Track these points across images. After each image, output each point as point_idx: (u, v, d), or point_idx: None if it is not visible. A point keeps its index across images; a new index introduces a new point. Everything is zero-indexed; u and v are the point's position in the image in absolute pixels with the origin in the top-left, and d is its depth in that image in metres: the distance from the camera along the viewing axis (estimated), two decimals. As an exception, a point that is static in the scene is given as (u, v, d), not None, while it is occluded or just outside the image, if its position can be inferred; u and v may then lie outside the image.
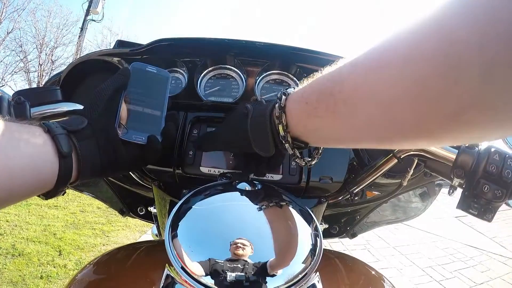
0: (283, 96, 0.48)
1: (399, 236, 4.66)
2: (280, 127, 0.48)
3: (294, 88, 0.50)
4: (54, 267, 2.88)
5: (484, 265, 3.85)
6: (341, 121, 0.39)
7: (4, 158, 0.37)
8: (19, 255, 3.02)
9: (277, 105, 0.49)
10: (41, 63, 13.83)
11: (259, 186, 0.57)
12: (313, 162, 0.57)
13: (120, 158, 0.53)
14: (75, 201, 4.86)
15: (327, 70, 0.41)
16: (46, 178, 0.43)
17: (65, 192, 0.49)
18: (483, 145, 0.55)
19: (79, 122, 0.49)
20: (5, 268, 2.74)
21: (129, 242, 0.82)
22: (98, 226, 4.06)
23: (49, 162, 0.43)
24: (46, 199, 0.47)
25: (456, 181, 0.57)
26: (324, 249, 0.51)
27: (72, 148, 0.46)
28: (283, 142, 0.49)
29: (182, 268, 0.43)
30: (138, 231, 4.08)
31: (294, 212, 0.52)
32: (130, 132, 0.55)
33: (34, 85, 13.45)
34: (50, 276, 2.71)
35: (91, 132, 0.49)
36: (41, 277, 2.67)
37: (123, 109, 0.55)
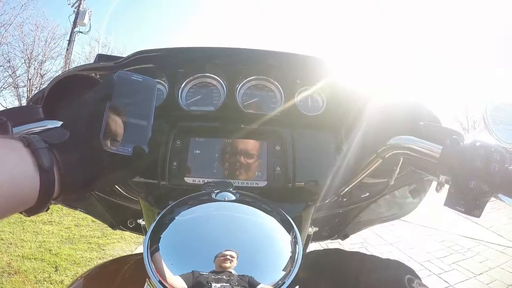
0: None
1: (396, 232, 4.67)
2: None
3: None
4: (51, 284, 2.84)
5: (482, 256, 3.87)
6: None
7: None
8: (15, 273, 2.98)
9: None
10: (30, 78, 13.69)
11: (239, 196, 0.56)
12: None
13: (105, 171, 0.51)
14: (70, 215, 4.81)
15: None
16: (27, 194, 0.41)
17: (48, 208, 0.47)
18: (467, 140, 0.55)
19: (61, 134, 0.47)
20: (1, 286, 2.70)
21: (124, 255, 0.81)
22: (93, 240, 4.02)
23: (29, 177, 0.41)
24: (29, 215, 0.45)
25: (442, 178, 0.56)
26: (310, 251, 0.51)
27: (53, 162, 0.44)
28: None
29: (160, 282, 0.43)
30: (134, 242, 4.06)
31: (274, 221, 0.52)
32: (116, 144, 0.52)
33: (24, 100, 13.37)
34: (47, 293, 2.68)
35: (73, 145, 0.47)
36: (38, 295, 2.64)
37: (109, 119, 0.53)
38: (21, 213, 0.43)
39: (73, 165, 0.46)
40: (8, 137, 0.42)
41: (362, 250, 3.99)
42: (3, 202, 0.38)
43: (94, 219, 1.07)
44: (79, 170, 0.47)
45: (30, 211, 0.44)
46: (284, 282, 0.44)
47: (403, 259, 3.72)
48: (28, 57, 13.70)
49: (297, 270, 0.46)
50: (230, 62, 0.82)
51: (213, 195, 0.55)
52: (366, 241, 4.27)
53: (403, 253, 3.92)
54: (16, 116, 0.62)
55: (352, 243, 4.14)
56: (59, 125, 0.60)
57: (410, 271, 0.65)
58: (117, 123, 0.54)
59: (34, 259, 3.34)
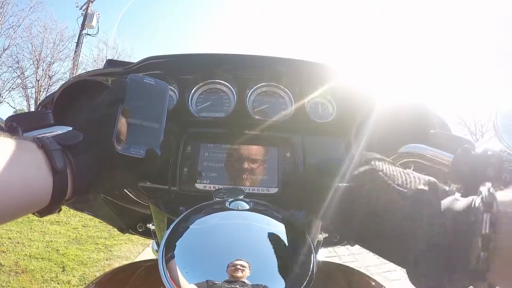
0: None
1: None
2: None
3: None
4: (58, 284, 2.87)
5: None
6: None
7: None
8: (23, 272, 3.01)
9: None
10: (38, 79, 13.82)
11: (252, 205, 0.56)
12: None
13: (117, 173, 0.51)
14: (77, 216, 4.85)
15: None
16: (40, 195, 0.41)
17: (60, 209, 0.47)
18: (479, 149, 0.54)
19: (74, 136, 0.47)
20: (9, 285, 2.73)
21: (132, 256, 0.82)
22: (100, 241, 4.05)
23: (42, 179, 0.41)
24: (41, 216, 0.45)
25: (453, 186, 0.56)
26: (324, 261, 0.50)
27: (66, 164, 0.44)
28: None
29: None
30: (141, 244, 4.07)
31: (287, 230, 0.52)
32: (128, 146, 0.53)
33: (32, 101, 13.50)
34: (54, 293, 2.70)
35: (87, 146, 0.48)
36: (45, 295, 2.66)
37: (121, 122, 0.53)
38: (33, 213, 0.44)
39: (86, 167, 0.47)
40: (22, 138, 0.43)
41: (370, 255, 3.95)
42: (17, 203, 0.39)
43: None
44: (92, 172, 0.48)
45: (43, 212, 0.44)
46: None
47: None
48: (37, 59, 13.84)
49: (312, 280, 0.46)
50: (240, 69, 0.82)
51: (227, 204, 0.55)
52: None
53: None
54: (26, 121, 0.63)
55: (360, 248, 4.09)
56: (67, 130, 0.61)
57: None
58: (129, 126, 0.55)
59: (42, 258, 3.37)
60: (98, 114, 0.52)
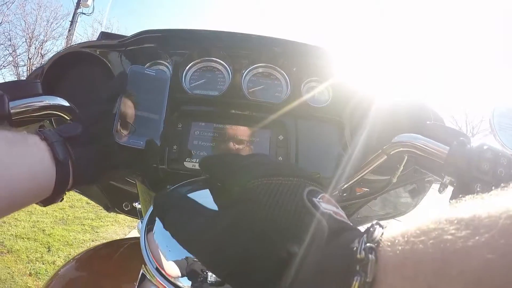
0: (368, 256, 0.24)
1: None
2: None
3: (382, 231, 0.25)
4: (43, 264, 2.86)
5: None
6: None
7: (1, 167, 0.37)
8: (8, 252, 2.99)
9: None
10: (30, 57, 13.59)
11: None
12: None
13: (117, 164, 0.53)
14: (64, 196, 4.81)
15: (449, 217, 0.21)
16: (43, 185, 0.43)
17: (63, 199, 0.49)
18: (475, 143, 0.54)
19: (74, 128, 0.48)
20: (-7, 265, 2.71)
21: (118, 237, 0.81)
22: (87, 222, 4.04)
23: (46, 170, 0.43)
24: (44, 206, 0.47)
25: (447, 179, 0.55)
26: None
27: (68, 155, 0.45)
28: None
29: (157, 269, 0.42)
30: (127, 226, 4.07)
31: None
32: (128, 137, 0.53)
33: (23, 79, 13.29)
34: (39, 273, 2.69)
35: (87, 138, 0.49)
36: (30, 274, 2.65)
37: (121, 113, 0.54)
38: (37, 203, 0.45)
39: (86, 158, 0.48)
40: (25, 131, 0.45)
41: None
42: (23, 194, 0.40)
43: (88, 200, 1.07)
44: (92, 163, 0.49)
45: (46, 202, 0.46)
46: None
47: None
48: (29, 36, 13.59)
49: None
50: (237, 48, 0.80)
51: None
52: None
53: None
54: (13, 89, 0.61)
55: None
56: (57, 101, 0.59)
57: None
58: (129, 117, 0.55)
59: (27, 238, 3.35)
60: (98, 106, 0.53)
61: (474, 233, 0.19)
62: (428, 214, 0.22)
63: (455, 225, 0.20)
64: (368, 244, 0.24)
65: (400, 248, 0.22)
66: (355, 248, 0.24)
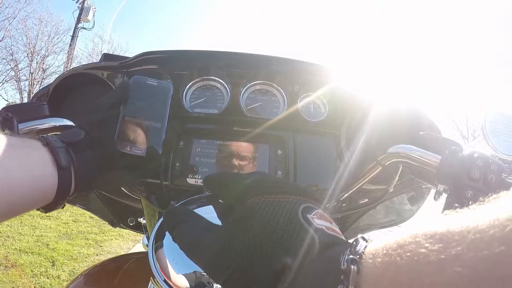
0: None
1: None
2: None
3: (365, 244, 0.27)
4: (48, 278, 2.85)
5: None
6: None
7: (4, 171, 0.37)
8: (12, 266, 2.99)
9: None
10: (32, 72, 13.71)
11: None
12: None
13: (118, 171, 0.53)
14: (68, 211, 4.82)
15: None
16: (45, 191, 0.43)
17: (64, 205, 0.49)
18: (466, 151, 0.55)
19: (76, 134, 0.49)
20: (-2, 280, 2.71)
21: (122, 251, 0.82)
22: (91, 236, 4.03)
23: (48, 175, 0.43)
24: (46, 212, 0.47)
25: (441, 187, 0.57)
26: None
27: (70, 161, 0.46)
28: None
29: (165, 281, 0.44)
30: (131, 240, 4.06)
31: None
32: (130, 145, 0.54)
33: (25, 94, 13.38)
34: (44, 287, 2.68)
35: (88, 144, 0.49)
36: (35, 289, 2.64)
37: (123, 121, 0.55)
38: (38, 209, 0.45)
39: (87, 164, 0.48)
40: (27, 136, 0.44)
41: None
42: (25, 200, 0.40)
43: (92, 215, 1.08)
44: (94, 169, 0.49)
45: (48, 208, 0.46)
46: None
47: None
48: (31, 51, 13.74)
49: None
50: (234, 66, 0.83)
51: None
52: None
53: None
54: (21, 112, 0.63)
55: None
56: (63, 122, 0.62)
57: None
58: (131, 125, 0.56)
59: (32, 253, 3.35)
60: (100, 113, 0.53)
61: (446, 246, 0.21)
62: (407, 228, 0.24)
63: (429, 239, 0.22)
64: (351, 256, 0.26)
65: (379, 260, 0.24)
66: (340, 260, 0.26)
